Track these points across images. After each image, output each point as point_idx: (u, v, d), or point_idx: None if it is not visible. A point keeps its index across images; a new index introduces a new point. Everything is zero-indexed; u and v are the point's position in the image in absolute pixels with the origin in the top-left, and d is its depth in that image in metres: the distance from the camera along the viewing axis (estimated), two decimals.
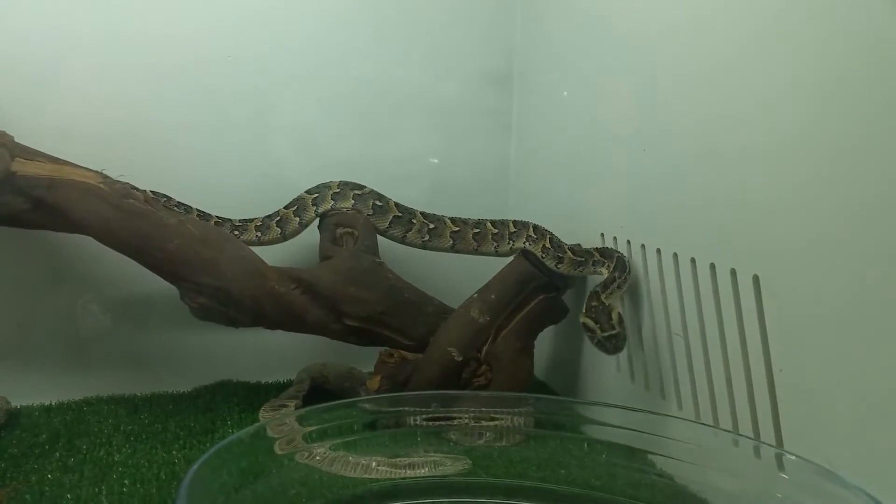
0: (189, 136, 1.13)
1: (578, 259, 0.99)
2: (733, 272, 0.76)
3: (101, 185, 0.92)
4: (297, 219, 1.10)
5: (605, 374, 1.05)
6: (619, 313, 0.90)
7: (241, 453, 0.70)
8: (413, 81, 1.23)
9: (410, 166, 1.25)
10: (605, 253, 0.98)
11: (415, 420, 0.88)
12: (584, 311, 0.91)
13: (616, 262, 0.95)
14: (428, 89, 1.24)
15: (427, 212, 1.11)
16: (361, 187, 1.12)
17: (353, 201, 1.10)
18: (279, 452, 0.75)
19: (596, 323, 0.88)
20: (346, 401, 0.86)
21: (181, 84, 1.12)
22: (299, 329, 1.01)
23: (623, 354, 0.95)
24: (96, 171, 0.94)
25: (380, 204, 1.11)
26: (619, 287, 0.93)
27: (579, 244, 1.03)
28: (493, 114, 1.28)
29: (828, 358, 0.66)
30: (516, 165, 1.29)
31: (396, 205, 1.11)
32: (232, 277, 0.93)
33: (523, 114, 1.27)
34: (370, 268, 1.03)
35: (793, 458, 0.67)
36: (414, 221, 1.10)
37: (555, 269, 1.00)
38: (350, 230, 1.07)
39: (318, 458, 0.86)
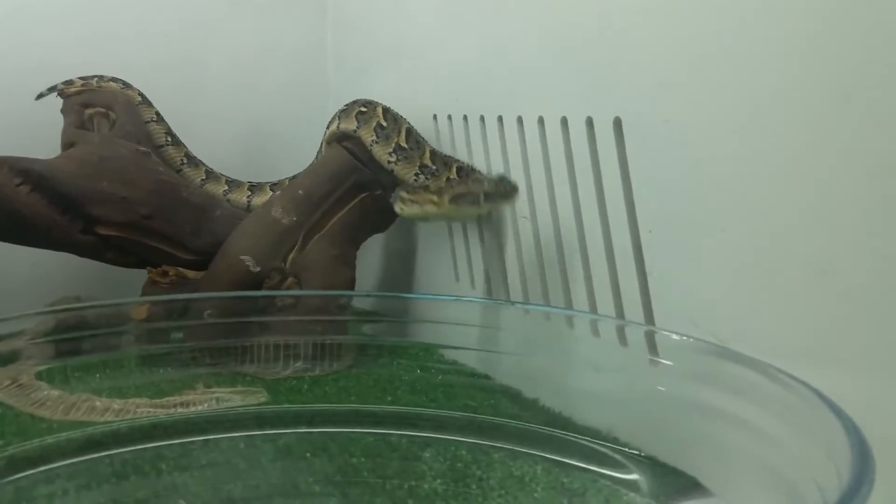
0: None
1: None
2: (590, 121, 0.61)
3: None
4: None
5: (443, 287, 0.88)
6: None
7: None
8: None
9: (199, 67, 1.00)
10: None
11: (190, 345, 0.67)
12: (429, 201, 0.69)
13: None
14: None
15: None
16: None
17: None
18: None
19: (465, 188, 0.65)
20: (75, 306, 0.62)
21: None
22: (30, 241, 0.74)
23: (457, 259, 0.80)
24: None
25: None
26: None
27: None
28: None
29: (710, 206, 0.52)
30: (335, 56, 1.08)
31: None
32: None
33: None
34: (131, 158, 0.77)
35: (670, 336, 0.53)
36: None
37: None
38: (103, 110, 0.81)
39: (48, 403, 0.62)
